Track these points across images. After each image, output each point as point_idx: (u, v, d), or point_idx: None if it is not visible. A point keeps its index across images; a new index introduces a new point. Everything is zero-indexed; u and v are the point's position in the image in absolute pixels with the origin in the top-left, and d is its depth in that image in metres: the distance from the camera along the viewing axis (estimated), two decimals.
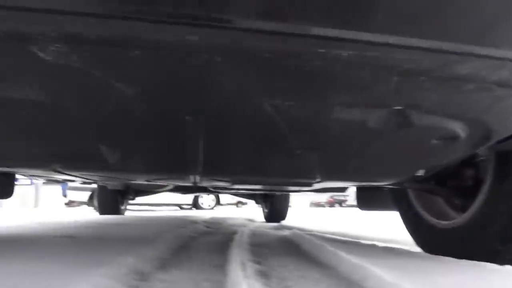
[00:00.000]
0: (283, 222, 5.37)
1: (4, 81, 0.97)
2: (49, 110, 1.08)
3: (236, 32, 0.81)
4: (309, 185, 1.91)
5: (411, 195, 2.66)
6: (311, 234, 2.97)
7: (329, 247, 2.00)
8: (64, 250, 1.90)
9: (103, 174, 1.88)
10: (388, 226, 4.46)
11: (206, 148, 1.37)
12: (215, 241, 2.74)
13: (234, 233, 3.39)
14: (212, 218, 5.83)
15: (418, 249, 2.60)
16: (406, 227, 2.75)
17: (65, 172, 1.63)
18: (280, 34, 0.81)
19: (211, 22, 0.77)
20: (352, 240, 2.83)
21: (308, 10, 0.77)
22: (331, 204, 26.47)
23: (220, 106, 1.09)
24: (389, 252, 2.14)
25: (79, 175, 1.89)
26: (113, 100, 1.04)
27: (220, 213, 9.84)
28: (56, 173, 1.74)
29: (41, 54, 0.83)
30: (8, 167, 1.62)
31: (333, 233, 3.67)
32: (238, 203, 17.38)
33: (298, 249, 2.37)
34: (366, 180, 1.86)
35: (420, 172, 1.65)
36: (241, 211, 13.43)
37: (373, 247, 2.40)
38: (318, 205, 26.57)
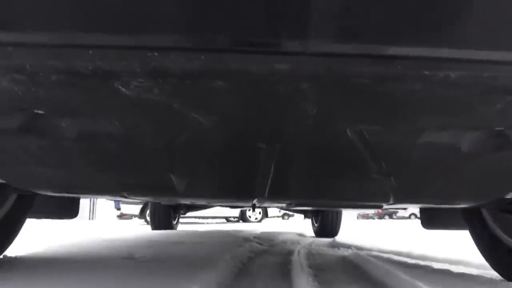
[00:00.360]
0: (337, 238, 5.19)
1: (84, 116, 0.96)
2: (123, 141, 1.07)
3: (330, 58, 0.74)
4: (379, 207, 1.79)
5: (486, 214, 2.44)
6: (373, 256, 2.81)
7: (403, 275, 1.86)
8: (128, 274, 1.89)
9: (169, 199, 1.86)
10: (448, 242, 4.17)
11: (276, 173, 1.31)
12: (274, 263, 2.65)
13: (290, 252, 3.30)
14: (262, 233, 5.75)
15: (494, 273, 2.39)
16: (479, 249, 2.53)
17: (131, 197, 1.63)
18: (380, 57, 0.73)
19: (302, 49, 0.71)
20: (421, 263, 2.64)
21: (415, 29, 0.69)
22: (381, 216, 25.48)
23: (298, 133, 1.03)
24: (470, 280, 1.96)
25: (143, 199, 1.89)
26: (189, 130, 1.01)
27: (268, 226, 9.74)
28: (122, 197, 1.74)
29: (123, 89, 0.81)
30: (77, 194, 1.65)
31: (396, 253, 3.47)
32: (284, 215, 17.26)
33: (365, 275, 2.23)
34: (447, 203, 1.72)
35: (510, 195, 1.49)
36: (288, 224, 13.26)
37: (448, 273, 2.22)
38: (367, 217, 25.66)
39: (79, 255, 2.52)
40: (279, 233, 6.00)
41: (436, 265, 2.61)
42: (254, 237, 4.83)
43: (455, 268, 2.76)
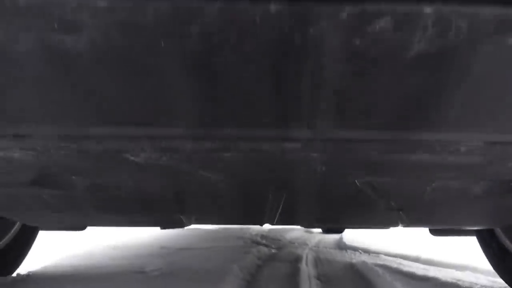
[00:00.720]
0: (344, 237, 5.20)
1: (94, 175, 0.98)
2: (133, 192, 1.08)
3: (338, 142, 0.74)
4: (387, 228, 1.80)
5: None
6: (381, 265, 2.83)
7: None
8: None
9: None
10: (454, 245, 4.15)
11: (285, 209, 1.32)
12: (282, 274, 2.67)
13: (297, 259, 3.31)
14: (270, 232, 5.77)
15: (502, 281, 2.40)
16: (487, 258, 2.53)
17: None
18: (388, 140, 0.73)
19: (311, 136, 0.71)
20: (428, 273, 2.66)
21: (421, 118, 0.69)
22: None
23: (306, 185, 1.03)
24: None
25: None
26: (197, 184, 1.01)
27: None
28: None
29: (131, 158, 0.81)
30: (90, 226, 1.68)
31: (403, 257, 3.49)
32: None
33: None
34: (457, 226, 1.72)
35: None
36: None
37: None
38: None
39: (88, 269, 2.54)
40: (286, 231, 6.02)
41: (444, 273, 2.63)
42: (262, 236, 4.85)
43: (462, 275, 2.76)
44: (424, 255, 3.46)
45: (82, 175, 0.99)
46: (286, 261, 3.26)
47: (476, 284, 2.50)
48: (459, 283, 2.45)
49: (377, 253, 3.75)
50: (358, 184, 1.02)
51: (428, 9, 0.48)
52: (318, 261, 3.22)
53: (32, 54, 0.55)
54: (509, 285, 2.34)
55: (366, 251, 3.85)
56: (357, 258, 3.35)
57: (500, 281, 2.44)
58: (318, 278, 2.55)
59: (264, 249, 3.82)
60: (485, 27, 0.50)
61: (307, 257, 3.37)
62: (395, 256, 3.59)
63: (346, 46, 0.53)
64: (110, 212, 1.26)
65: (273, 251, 3.89)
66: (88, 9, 0.46)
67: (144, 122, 0.70)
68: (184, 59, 0.56)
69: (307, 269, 2.79)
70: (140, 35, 0.51)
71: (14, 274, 2.27)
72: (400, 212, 1.33)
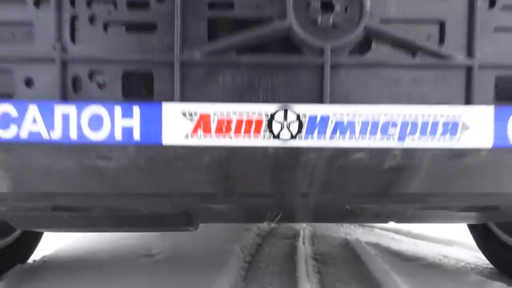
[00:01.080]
0: None
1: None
2: (145, 214, 1.20)
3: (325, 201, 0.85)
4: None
5: None
6: (374, 245, 2.99)
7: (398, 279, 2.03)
8: (147, 281, 2.06)
9: None
10: None
11: (283, 215, 1.44)
12: (281, 254, 2.83)
13: (296, 235, 3.48)
14: None
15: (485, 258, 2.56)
16: (473, 236, 2.69)
17: None
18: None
19: (303, 203, 0.82)
20: (419, 249, 2.82)
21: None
22: None
23: (300, 209, 1.15)
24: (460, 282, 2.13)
25: None
26: (204, 207, 1.13)
27: None
28: None
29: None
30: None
31: (395, 231, 3.66)
32: None
33: (364, 270, 2.41)
34: (442, 223, 1.86)
35: None
36: None
37: (442, 269, 2.39)
38: None
39: (98, 253, 2.67)
40: None
41: (432, 249, 2.80)
42: None
43: (449, 251, 2.94)
44: (415, 229, 3.63)
45: (99, 206, 1.10)
46: (285, 238, 3.43)
47: (462, 261, 2.67)
48: (445, 260, 2.62)
49: (371, 227, 3.92)
50: (348, 207, 1.14)
51: (396, 150, 0.60)
52: (315, 238, 3.39)
53: (70, 168, 0.64)
54: (490, 262, 2.51)
55: (361, 225, 4.02)
56: (352, 233, 3.52)
57: (483, 257, 2.61)
58: (314, 258, 2.71)
59: (264, 224, 3.98)
60: (443, 156, 0.62)
61: (304, 233, 3.53)
62: (388, 230, 3.77)
63: (328, 166, 0.64)
64: (123, 225, 1.39)
65: (272, 225, 4.05)
66: (118, 150, 0.56)
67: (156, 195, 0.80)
68: (196, 169, 0.66)
69: (304, 248, 2.95)
70: (161, 162, 0.61)
71: (30, 261, 2.41)
72: (388, 217, 1.45)
